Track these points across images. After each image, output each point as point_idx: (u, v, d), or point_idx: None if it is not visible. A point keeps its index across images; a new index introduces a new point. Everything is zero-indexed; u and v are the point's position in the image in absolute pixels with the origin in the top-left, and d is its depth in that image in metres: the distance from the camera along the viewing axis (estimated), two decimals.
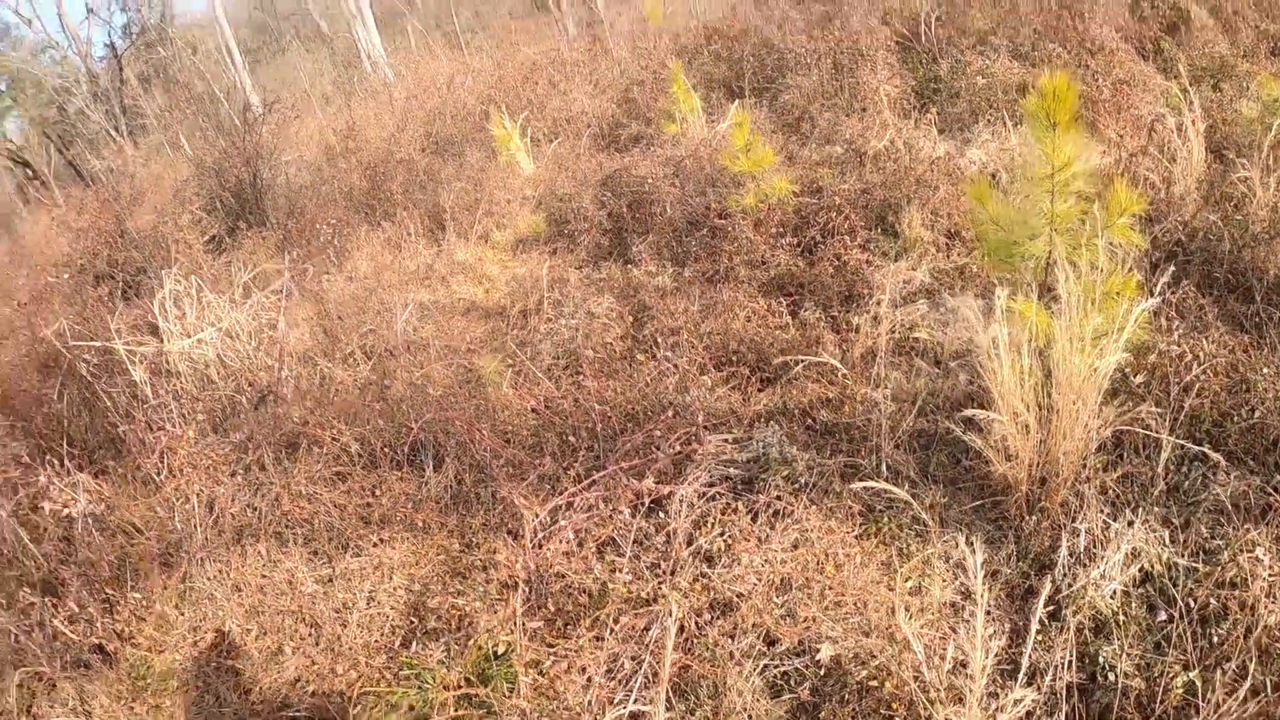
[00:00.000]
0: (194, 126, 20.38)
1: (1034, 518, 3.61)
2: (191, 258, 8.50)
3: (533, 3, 31.65)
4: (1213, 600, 3.16)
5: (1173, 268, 4.31)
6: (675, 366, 4.96)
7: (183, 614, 4.27)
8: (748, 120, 6.69)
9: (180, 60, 34.85)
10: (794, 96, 8.84)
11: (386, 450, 4.81)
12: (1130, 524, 3.41)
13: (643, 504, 3.87)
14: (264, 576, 4.26)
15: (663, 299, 5.88)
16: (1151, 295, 3.74)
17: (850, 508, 3.77)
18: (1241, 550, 3.23)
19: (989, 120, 7.47)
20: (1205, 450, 3.66)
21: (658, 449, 4.16)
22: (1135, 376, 4.11)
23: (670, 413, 4.43)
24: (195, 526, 4.56)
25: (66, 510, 4.78)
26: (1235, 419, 3.91)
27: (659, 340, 5.25)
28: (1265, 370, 4.07)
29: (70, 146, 35.36)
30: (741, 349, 5.16)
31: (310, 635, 3.98)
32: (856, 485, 3.67)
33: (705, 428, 4.32)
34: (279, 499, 4.58)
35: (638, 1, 21.16)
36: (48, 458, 5.28)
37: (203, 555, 4.40)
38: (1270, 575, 3.13)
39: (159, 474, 4.93)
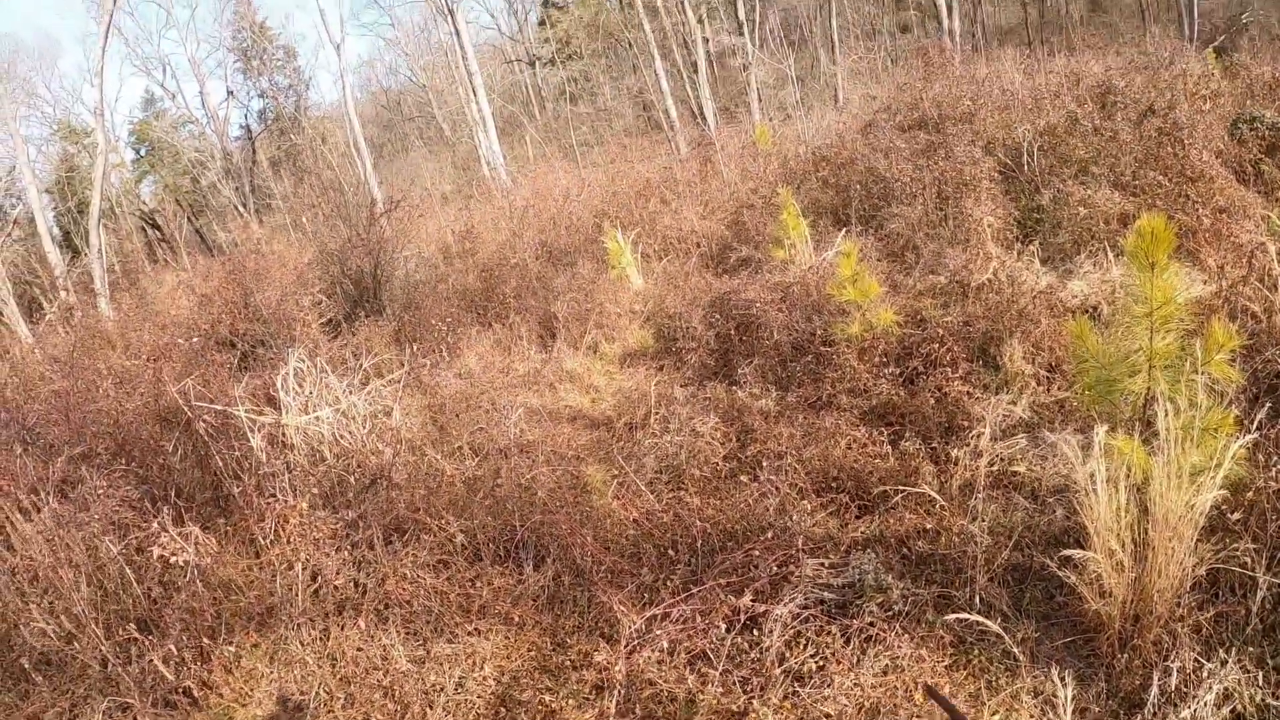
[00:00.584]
0: (319, 212, 21.74)
1: (1125, 655, 3.59)
2: (311, 337, 8.95)
3: (646, 121, 33.04)
4: None
5: (1270, 402, 4.29)
6: (776, 489, 5.05)
7: (271, 672, 4.47)
8: (854, 250, 6.89)
9: (311, 149, 37.26)
10: (899, 225, 9.04)
11: (490, 545, 5.02)
12: (1223, 664, 3.38)
13: (738, 620, 3.95)
14: (359, 649, 4.44)
15: (766, 422, 6.01)
16: (1249, 430, 3.74)
17: (942, 638, 3.81)
18: None
19: (1091, 251, 7.51)
20: None
21: (755, 568, 4.28)
22: (1232, 513, 4.04)
23: (769, 534, 4.54)
24: (297, 593, 4.79)
25: (175, 558, 5.07)
26: None
27: (762, 463, 5.36)
28: None
29: (199, 216, 37.99)
30: (841, 476, 5.25)
31: (397, 712, 4.12)
32: (949, 616, 3.73)
33: (803, 551, 4.40)
34: (384, 579, 4.78)
35: (747, 124, 21.89)
36: (158, 505, 5.63)
37: (301, 620, 4.61)
38: None
39: (266, 538, 5.21)
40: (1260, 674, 3.36)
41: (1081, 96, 11.40)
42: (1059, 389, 5.81)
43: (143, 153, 40.91)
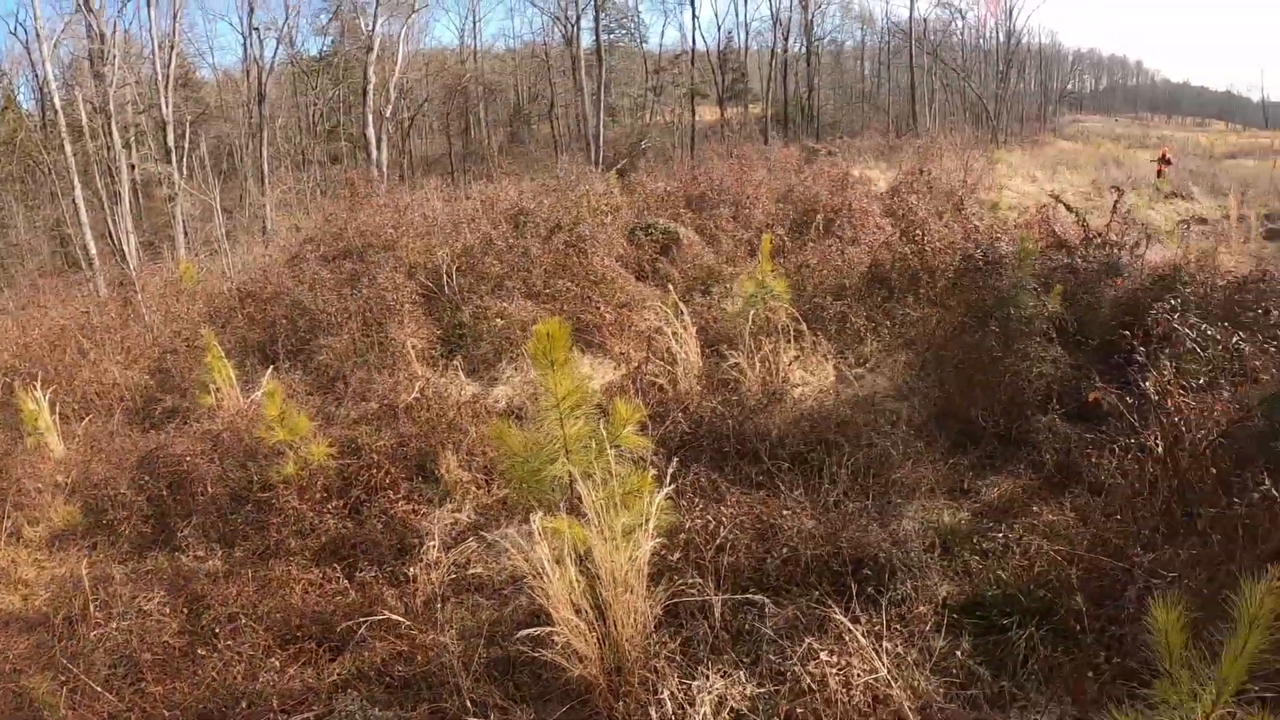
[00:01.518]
0: None
1: (621, 704, 3.83)
2: None
3: (64, 257, 29.48)
4: (799, 709, 3.57)
5: (681, 456, 4.95)
6: (239, 655, 4.70)
7: None
8: (278, 388, 6.69)
9: None
10: (327, 357, 8.97)
11: None
12: (706, 677, 3.78)
13: None
14: None
15: (215, 585, 5.58)
16: (665, 484, 4.23)
17: None
18: (808, 659, 3.73)
19: (511, 357, 8.10)
20: (750, 596, 4.24)
21: None
22: (673, 555, 4.55)
23: (243, 704, 4.24)
24: None
25: None
26: (769, 560, 4.56)
27: (217, 630, 4.96)
28: (785, 512, 4.85)
29: None
30: (305, 623, 5.01)
31: None
32: None
33: (283, 711, 4.17)
34: None
35: (171, 260, 20.50)
36: None
37: None
38: (838, 668, 3.63)
39: None
40: (739, 673, 3.81)
41: (497, 219, 12.39)
42: (498, 488, 6.07)
43: None
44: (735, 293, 8.30)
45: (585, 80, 36.45)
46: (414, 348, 8.07)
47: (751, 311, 7.50)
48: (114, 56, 25.81)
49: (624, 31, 47.78)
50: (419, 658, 4.45)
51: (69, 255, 28.57)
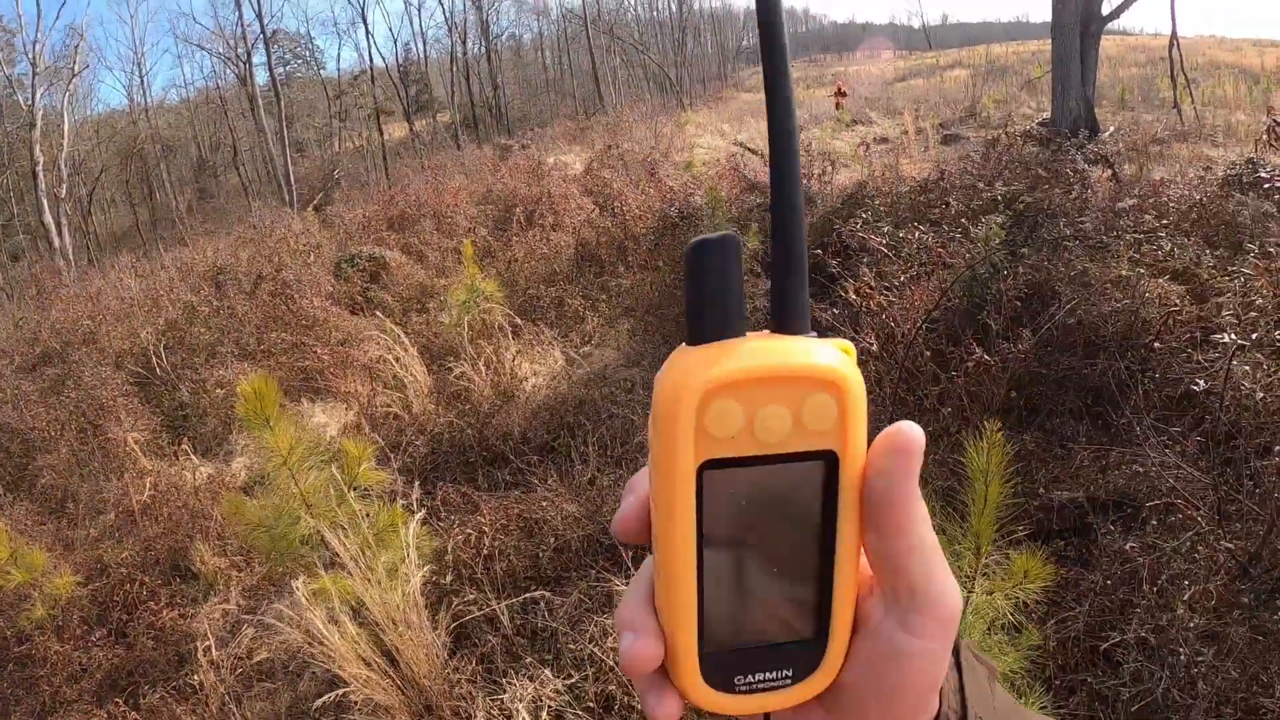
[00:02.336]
0: None
1: None
2: None
3: None
4: (611, 686, 3.72)
5: (426, 478, 4.95)
6: None
7: None
8: (3, 526, 6.17)
9: None
10: (49, 478, 8.24)
11: None
12: (514, 687, 3.85)
13: None
14: None
15: None
16: (416, 511, 4.22)
17: None
18: (605, 637, 3.92)
19: (241, 426, 7.70)
20: (533, 594, 4.32)
21: None
22: (445, 577, 4.56)
23: None
24: None
25: None
26: (542, 554, 4.68)
27: None
28: (544, 504, 4.98)
29: None
30: None
31: None
32: None
33: None
34: None
35: None
36: None
37: None
38: None
39: None
40: (545, 672, 3.91)
41: (196, 283, 11.79)
42: (259, 565, 5.84)
43: None
44: (449, 303, 8.29)
45: (266, 119, 34.95)
46: (136, 442, 7.54)
47: (467, 318, 7.53)
48: None
49: (300, 61, 46.41)
50: None
51: None
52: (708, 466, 0.47)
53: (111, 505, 7.12)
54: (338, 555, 3.91)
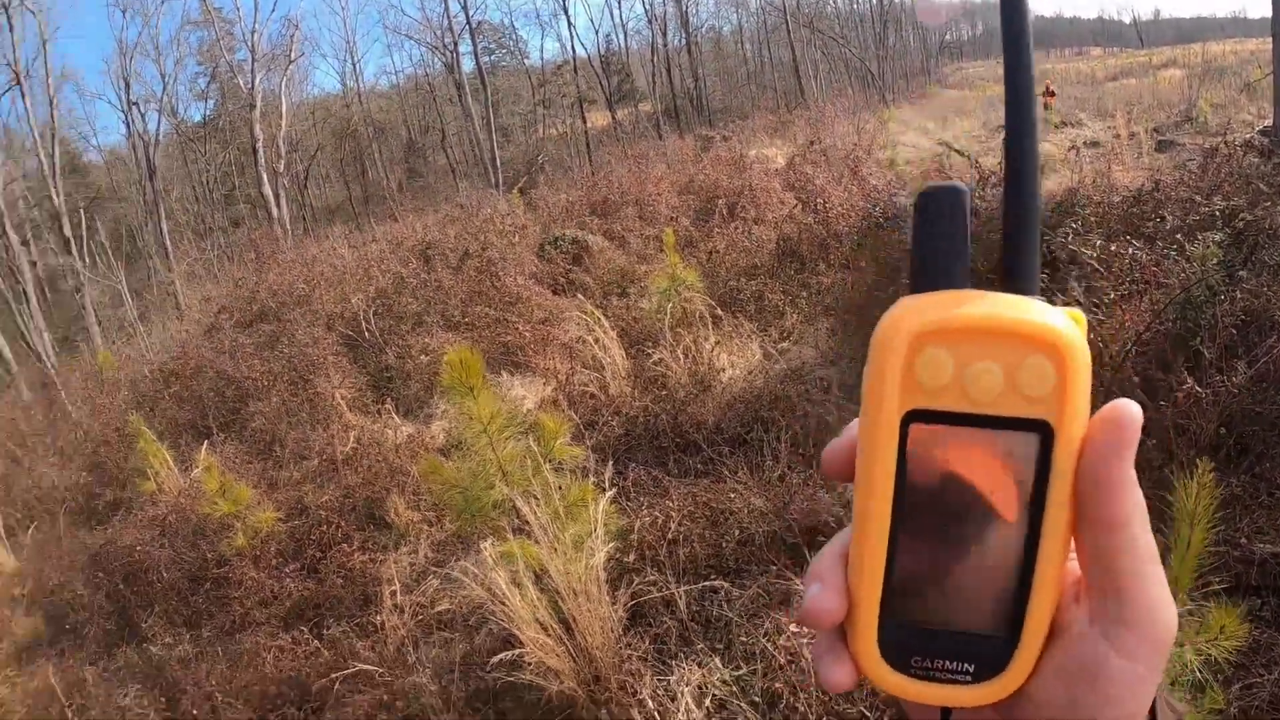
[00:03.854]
0: None
1: (604, 711, 3.85)
2: None
3: None
4: (777, 684, 3.63)
5: (620, 458, 4.99)
6: None
7: None
8: (215, 462, 6.70)
9: None
10: (260, 423, 8.88)
11: None
12: (682, 670, 3.81)
13: None
14: None
15: (187, 669, 5.52)
16: (607, 489, 4.27)
17: None
18: (777, 634, 3.82)
19: (442, 392, 8.03)
20: (711, 582, 4.25)
21: None
22: (628, 556, 4.58)
23: None
24: None
25: None
26: (725, 544, 4.60)
27: (195, 713, 4.93)
28: (731, 495, 4.89)
29: None
30: (282, 689, 4.96)
31: None
32: None
33: None
34: None
35: (88, 352, 20.05)
36: None
37: None
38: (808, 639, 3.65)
39: None
40: (714, 660, 3.85)
41: (406, 256, 12.34)
42: (449, 523, 6.04)
43: None
44: (650, 290, 8.35)
45: (473, 105, 36.26)
46: (343, 398, 8.02)
47: (669, 306, 7.58)
48: None
49: (504, 51, 47.83)
50: (399, 704, 4.43)
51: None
52: (914, 419, 0.45)
53: (315, 453, 7.60)
54: (527, 523, 4.01)
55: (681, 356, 6.91)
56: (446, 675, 4.42)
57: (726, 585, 4.28)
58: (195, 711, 4.93)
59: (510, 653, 3.89)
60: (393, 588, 4.97)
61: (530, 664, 3.89)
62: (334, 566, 5.97)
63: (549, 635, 3.85)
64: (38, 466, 10.74)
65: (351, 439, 7.36)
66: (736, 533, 4.68)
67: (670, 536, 4.68)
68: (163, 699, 5.35)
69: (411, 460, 6.67)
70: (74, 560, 7.70)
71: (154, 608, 6.54)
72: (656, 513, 4.88)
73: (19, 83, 27.12)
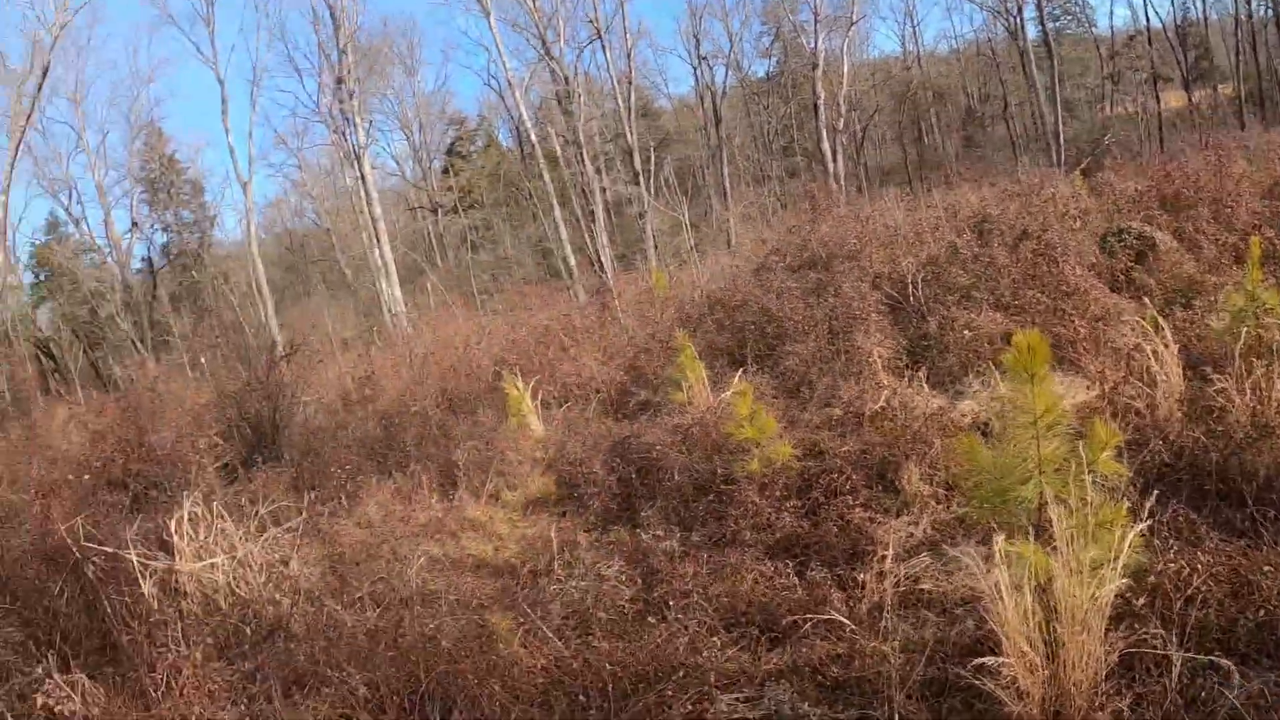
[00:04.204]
0: (218, 353, 21.35)
1: None
2: (206, 481, 8.72)
3: (546, 269, 33.68)
4: None
5: (1158, 490, 4.44)
6: (685, 628, 4.94)
7: None
8: (750, 389, 7.02)
9: (213, 287, 36.65)
10: (793, 363, 9.24)
11: (395, 698, 4.74)
12: None
13: None
14: None
15: (671, 562, 5.93)
16: (1140, 519, 3.84)
17: None
18: None
19: (978, 371, 7.80)
20: (1215, 659, 3.69)
21: (669, 708, 4.15)
22: (1137, 599, 4.11)
23: (681, 673, 4.42)
24: None
25: (59, 706, 4.72)
26: (1243, 622, 3.97)
27: (669, 603, 5.27)
28: (1266, 568, 4.17)
29: (96, 348, 36.73)
30: (750, 610, 5.16)
31: None
32: None
33: (716, 687, 4.32)
34: None
35: (644, 271, 22.44)
36: (42, 650, 5.36)
37: None
38: None
39: (158, 690, 4.88)
40: None
41: (960, 227, 12.03)
42: (957, 505, 5.86)
43: (42, 278, 40.14)
44: (1220, 306, 7.27)
45: (1036, 75, 34.05)
46: (879, 357, 8.06)
47: (1243, 330, 6.52)
48: (579, 95, 28.85)
49: (1070, 18, 44.16)
50: (856, 663, 4.41)
51: (550, 266, 32.44)
52: None
53: (841, 403, 7.74)
54: (1047, 529, 3.75)
55: (1247, 391, 5.93)
56: (913, 653, 4.30)
57: (1232, 667, 3.65)
58: (671, 602, 5.28)
59: (990, 659, 3.66)
60: (885, 551, 4.92)
61: (1002, 675, 3.65)
62: (833, 514, 6.04)
63: (1034, 652, 3.58)
64: (582, 357, 12.16)
65: (882, 398, 7.37)
66: (1260, 613, 3.97)
67: (1188, 593, 4.09)
68: (640, 581, 5.79)
69: (938, 433, 6.54)
70: (597, 442, 8.57)
71: (656, 502, 7.10)
72: (1183, 562, 4.28)
73: (599, 37, 30.96)
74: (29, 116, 20.23)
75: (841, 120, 34.77)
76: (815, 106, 33.39)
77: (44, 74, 18.94)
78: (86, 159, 35.61)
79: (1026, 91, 36.82)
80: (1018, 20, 35.37)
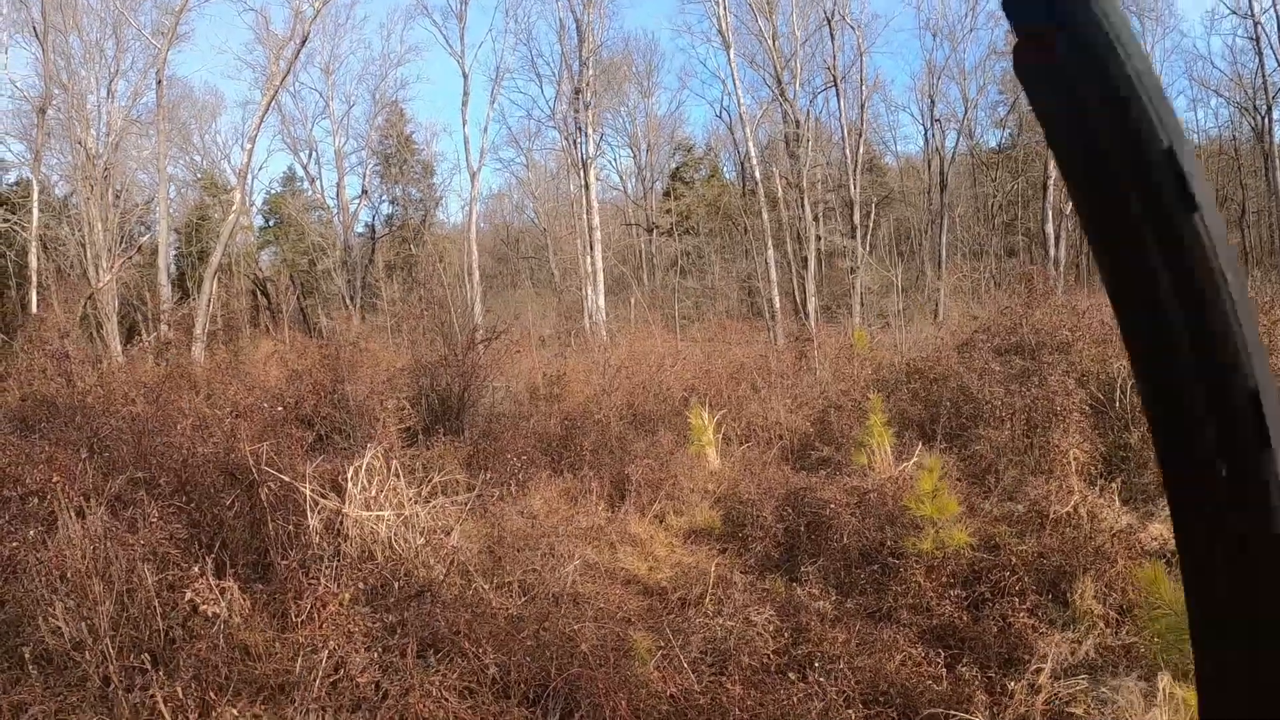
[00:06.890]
0: (422, 324, 22.55)
1: None
2: (389, 438, 9.07)
3: (749, 306, 33.80)
4: None
5: None
6: (823, 692, 4.92)
7: None
8: (937, 466, 6.94)
9: (427, 264, 38.74)
10: (984, 448, 9.03)
11: (521, 685, 4.89)
12: None
13: None
14: None
15: (822, 624, 5.93)
16: None
17: None
18: None
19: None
20: None
21: None
22: None
23: None
24: (315, 678, 4.64)
25: (205, 606, 5.08)
26: None
27: (813, 663, 5.27)
28: None
29: (308, 296, 39.72)
30: (891, 691, 5.09)
31: None
32: None
33: None
34: (409, 690, 4.62)
35: (846, 326, 22.22)
36: (203, 551, 5.72)
37: (312, 706, 4.48)
38: None
39: (299, 616, 5.20)
40: None
41: None
42: (1128, 632, 5.62)
43: (271, 223, 43.81)
44: None
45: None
46: (1075, 459, 7.79)
47: None
48: (807, 140, 28.94)
49: None
50: None
51: (753, 304, 32.47)
52: None
53: (1026, 500, 7.51)
54: None
55: None
56: None
57: None
58: (816, 663, 5.27)
59: None
60: (1042, 665, 4.82)
61: None
62: (996, 613, 5.91)
63: None
64: (771, 400, 12.16)
65: (1070, 503, 7.11)
66: None
67: None
68: (788, 635, 5.82)
69: (1123, 551, 6.28)
70: (771, 488, 8.60)
71: (819, 560, 7.11)
72: None
73: (835, 85, 30.93)
74: (283, 78, 22.10)
75: (1070, 204, 33.19)
76: (1044, 185, 32.13)
77: (302, 43, 20.67)
78: (330, 125, 38.96)
79: (1267, 199, 34.14)
80: (1265, 120, 32.64)
